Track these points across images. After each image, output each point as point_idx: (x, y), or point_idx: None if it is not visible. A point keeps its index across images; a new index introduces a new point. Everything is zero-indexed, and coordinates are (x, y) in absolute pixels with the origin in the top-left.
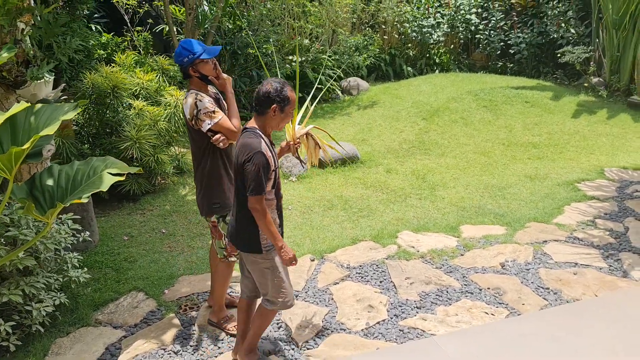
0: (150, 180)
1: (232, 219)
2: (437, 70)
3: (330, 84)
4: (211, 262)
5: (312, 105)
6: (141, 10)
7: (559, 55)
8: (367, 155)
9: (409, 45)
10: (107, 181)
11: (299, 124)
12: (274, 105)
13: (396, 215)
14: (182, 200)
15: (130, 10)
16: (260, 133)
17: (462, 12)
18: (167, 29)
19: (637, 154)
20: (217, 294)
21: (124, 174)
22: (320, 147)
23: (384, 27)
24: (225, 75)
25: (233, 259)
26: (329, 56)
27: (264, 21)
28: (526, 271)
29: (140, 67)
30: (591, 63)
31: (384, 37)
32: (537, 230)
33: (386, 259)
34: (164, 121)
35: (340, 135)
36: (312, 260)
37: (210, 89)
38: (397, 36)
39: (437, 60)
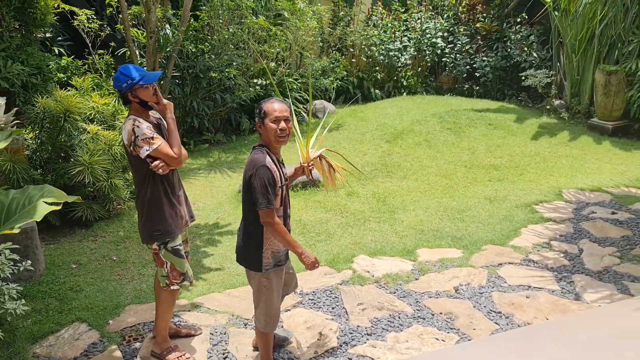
0: (104, 206)
1: (239, 233)
2: (404, 93)
3: (297, 107)
4: (156, 291)
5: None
6: (103, 33)
7: (522, 78)
8: None
9: (377, 68)
10: (42, 211)
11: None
12: (257, 121)
13: (354, 239)
14: (136, 226)
15: (92, 33)
16: (267, 150)
17: (429, 36)
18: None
19: (595, 176)
20: (160, 324)
21: (60, 203)
22: (335, 171)
23: (352, 50)
24: (165, 101)
25: (175, 287)
26: (295, 79)
27: (227, 45)
28: (479, 295)
29: (98, 91)
30: (552, 86)
31: (352, 60)
32: (493, 253)
33: (340, 284)
34: (119, 146)
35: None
36: None
37: (153, 114)
38: (365, 60)
39: (404, 83)
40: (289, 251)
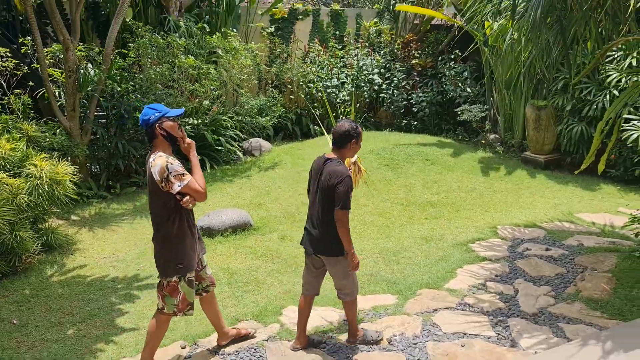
0: (9, 261)
1: (316, 231)
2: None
3: (231, 145)
4: (151, 325)
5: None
6: (19, 72)
7: (458, 113)
8: (261, 221)
9: (316, 104)
10: None
11: None
12: (353, 140)
13: (284, 288)
14: (45, 283)
15: (7, 72)
16: (342, 162)
17: (365, 72)
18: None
19: (529, 210)
20: (152, 348)
21: None
22: (362, 172)
23: (290, 87)
24: (189, 140)
25: (180, 314)
26: (230, 117)
27: (155, 84)
28: (413, 346)
29: (7, 135)
30: (487, 121)
31: (291, 97)
32: (429, 297)
33: (266, 340)
34: (25, 194)
35: (237, 200)
36: (183, 348)
37: None
38: (303, 96)
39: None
40: None
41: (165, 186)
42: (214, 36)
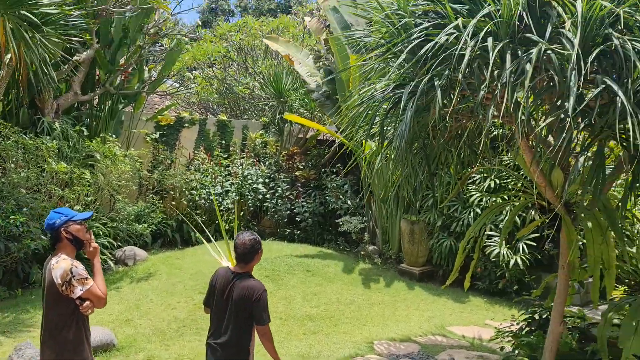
0: None
1: (224, 347)
2: (228, 237)
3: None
4: None
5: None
6: None
7: (340, 224)
8: (127, 339)
9: (198, 211)
10: None
11: None
12: (259, 251)
13: None
14: None
15: None
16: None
17: (250, 181)
18: None
19: (405, 324)
20: None
21: None
22: None
23: (172, 193)
24: (95, 244)
25: None
26: (104, 224)
27: (17, 189)
28: None
29: None
30: (366, 232)
31: (172, 203)
32: None
33: None
34: None
35: (101, 316)
36: None
37: None
38: (185, 203)
39: (226, 227)
40: None
41: (66, 290)
42: (93, 140)
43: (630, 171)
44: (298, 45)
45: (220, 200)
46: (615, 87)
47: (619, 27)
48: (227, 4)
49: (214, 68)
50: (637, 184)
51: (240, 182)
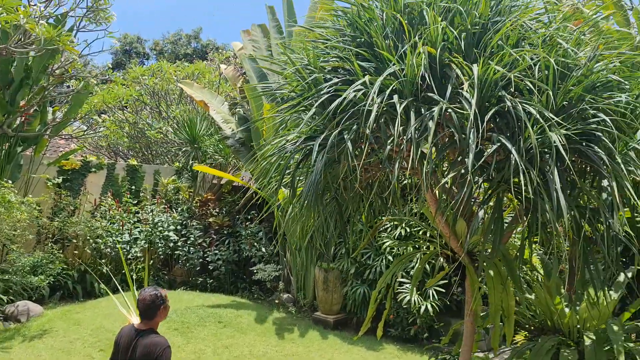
0: None
1: None
2: (135, 287)
3: None
4: None
5: None
6: None
7: (254, 272)
8: None
9: (103, 261)
10: None
11: None
12: (161, 307)
13: None
14: None
15: None
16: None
17: (161, 228)
18: None
19: None
20: None
21: None
22: None
23: (75, 241)
24: None
25: None
26: None
27: None
28: None
29: None
30: (280, 281)
31: (75, 252)
32: None
33: None
34: None
35: None
36: None
37: None
38: (89, 251)
39: (135, 277)
40: None
41: None
42: None
43: (526, 223)
44: (213, 91)
45: (128, 248)
46: (509, 145)
47: (511, 89)
48: (142, 47)
49: (125, 111)
50: (533, 234)
51: (151, 230)
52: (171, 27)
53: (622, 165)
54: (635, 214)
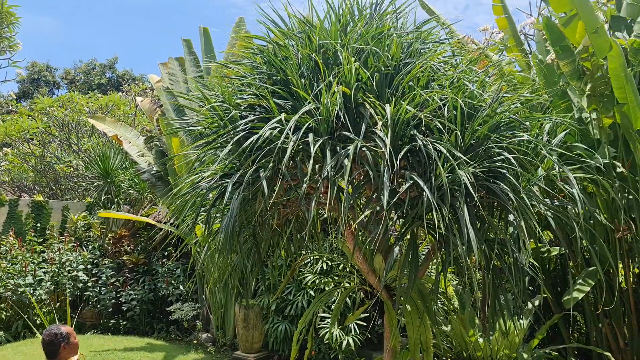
0: None
1: None
2: (38, 334)
3: None
4: None
5: None
6: None
7: (171, 311)
8: None
9: (2, 305)
10: None
11: None
12: (61, 344)
13: None
14: None
15: None
16: None
17: (69, 268)
18: None
19: None
20: None
21: None
22: None
23: None
24: None
25: None
26: None
27: None
28: None
29: None
30: (199, 320)
31: None
32: None
33: None
34: None
35: None
36: None
37: None
38: None
39: (39, 322)
40: None
41: None
42: None
43: (440, 257)
44: (128, 124)
45: (32, 291)
46: (422, 183)
47: (422, 128)
48: (51, 76)
49: (30, 143)
50: (446, 268)
51: (57, 270)
52: (84, 56)
53: (526, 200)
54: (540, 244)
